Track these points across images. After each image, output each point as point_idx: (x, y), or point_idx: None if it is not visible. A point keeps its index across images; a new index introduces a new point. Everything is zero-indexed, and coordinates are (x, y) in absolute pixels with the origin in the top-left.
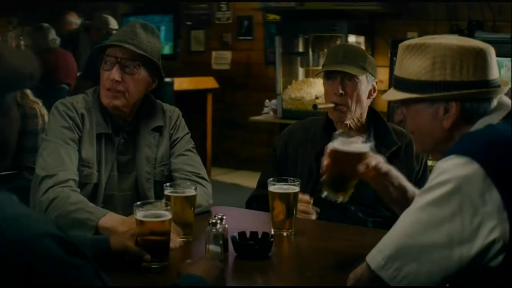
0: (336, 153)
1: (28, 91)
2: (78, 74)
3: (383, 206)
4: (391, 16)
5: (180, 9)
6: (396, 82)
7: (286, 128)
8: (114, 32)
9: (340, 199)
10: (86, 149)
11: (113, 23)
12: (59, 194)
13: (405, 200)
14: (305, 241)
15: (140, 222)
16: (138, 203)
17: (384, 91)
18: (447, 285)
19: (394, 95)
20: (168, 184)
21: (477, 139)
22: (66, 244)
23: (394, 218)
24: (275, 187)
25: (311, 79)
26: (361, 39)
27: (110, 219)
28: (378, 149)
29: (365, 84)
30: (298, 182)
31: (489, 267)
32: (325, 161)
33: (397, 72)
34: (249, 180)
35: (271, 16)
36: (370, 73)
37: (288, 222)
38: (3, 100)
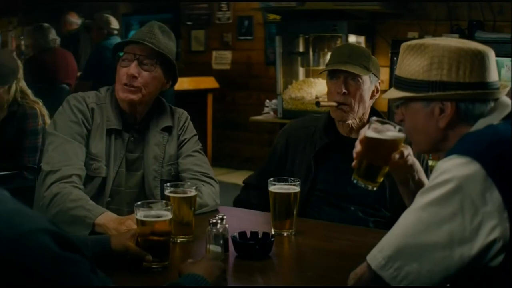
0: (370, 140)
1: (29, 91)
2: (79, 74)
3: (383, 206)
4: (391, 16)
5: (180, 9)
6: (396, 81)
7: (287, 125)
8: (116, 32)
9: (370, 186)
10: (95, 143)
11: (115, 23)
12: (61, 190)
13: None
14: (305, 241)
15: (141, 222)
16: (139, 203)
17: (385, 91)
18: (448, 285)
19: (393, 93)
20: (168, 184)
21: (478, 139)
22: (61, 239)
23: (394, 218)
24: (275, 187)
25: (312, 79)
26: (362, 39)
27: (107, 218)
28: None
29: (368, 84)
30: (298, 182)
31: (489, 267)
32: (358, 147)
33: (397, 72)
34: None
35: (272, 16)
36: (373, 73)
37: (289, 222)
38: None
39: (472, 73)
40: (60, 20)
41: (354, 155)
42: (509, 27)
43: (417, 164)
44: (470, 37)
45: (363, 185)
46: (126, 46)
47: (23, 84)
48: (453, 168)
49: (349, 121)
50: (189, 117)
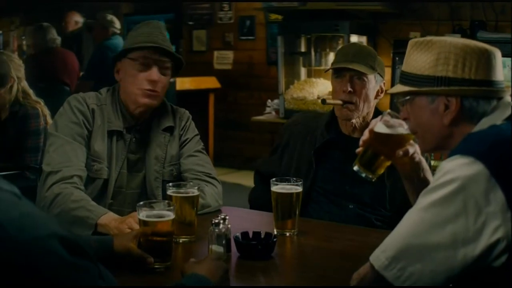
0: (378, 133)
1: (31, 91)
2: (81, 74)
3: (381, 206)
4: (393, 16)
5: (182, 9)
6: (402, 77)
7: (290, 119)
8: (118, 31)
9: (370, 176)
10: (96, 144)
11: (117, 23)
12: (63, 191)
13: None
14: (308, 241)
15: (143, 222)
16: (141, 203)
17: (386, 91)
18: (450, 285)
19: (398, 88)
20: (170, 184)
21: (481, 139)
22: (71, 244)
23: (394, 217)
24: (277, 187)
25: (313, 79)
26: (363, 39)
27: (109, 219)
28: None
29: (373, 83)
30: (300, 182)
31: (492, 267)
32: (365, 135)
33: (403, 67)
34: (251, 180)
35: (273, 16)
36: (378, 73)
37: (291, 222)
38: None
39: (478, 70)
40: (62, 20)
41: (361, 142)
42: (511, 27)
43: (424, 163)
44: (472, 37)
45: (363, 174)
46: (139, 50)
47: (24, 84)
48: (456, 168)
49: (353, 120)
50: (190, 117)
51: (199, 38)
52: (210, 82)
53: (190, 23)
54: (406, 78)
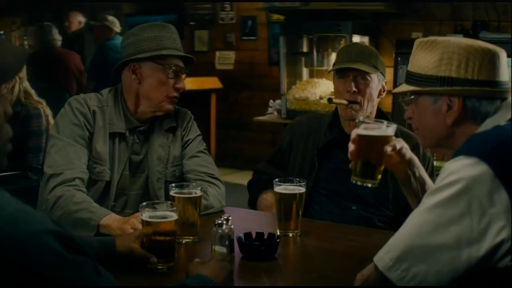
0: (361, 138)
1: (32, 91)
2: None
3: (385, 207)
4: (395, 16)
5: (184, 9)
6: (407, 76)
7: (293, 121)
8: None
9: (369, 184)
10: (98, 146)
11: (117, 23)
12: (64, 193)
13: (423, 193)
14: (311, 241)
15: (146, 223)
16: (144, 203)
17: (389, 91)
18: (455, 286)
19: (403, 88)
20: (173, 184)
21: (486, 139)
22: (65, 240)
23: (398, 218)
24: (280, 188)
25: (316, 79)
26: (366, 39)
27: (111, 219)
28: None
29: (376, 82)
30: (304, 183)
31: (497, 268)
32: (351, 147)
33: (408, 67)
34: None
35: (275, 16)
36: (381, 72)
37: (294, 223)
38: None
39: (481, 70)
40: (65, 20)
41: (349, 156)
42: None
43: (416, 160)
44: (474, 37)
45: (363, 184)
46: (162, 56)
47: (26, 84)
48: (460, 169)
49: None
50: (192, 117)
51: (201, 39)
52: (212, 83)
53: (192, 23)
54: (411, 78)
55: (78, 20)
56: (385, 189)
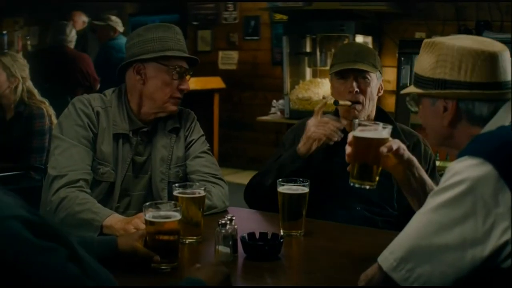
0: (357, 140)
1: (35, 91)
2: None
3: (389, 205)
4: (399, 16)
5: (187, 9)
6: (414, 78)
7: (296, 124)
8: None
9: (367, 186)
10: (102, 147)
11: (121, 23)
12: (68, 195)
13: (424, 194)
14: (314, 242)
15: (150, 223)
16: (147, 203)
17: (392, 91)
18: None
19: (409, 89)
20: (177, 184)
21: (490, 140)
22: (35, 226)
23: (402, 217)
24: (284, 188)
25: (319, 79)
26: (369, 39)
27: (114, 220)
28: None
29: (375, 81)
30: (307, 183)
31: (501, 268)
32: (348, 149)
33: (414, 68)
34: None
35: (278, 16)
36: (379, 70)
37: (298, 223)
38: None
39: (473, 73)
40: (69, 20)
41: (346, 158)
42: None
43: (415, 161)
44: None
45: (360, 186)
46: (175, 58)
47: (29, 84)
48: (465, 170)
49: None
50: (195, 118)
51: (203, 38)
52: (214, 82)
53: (195, 23)
54: (416, 79)
55: (82, 20)
56: (389, 188)
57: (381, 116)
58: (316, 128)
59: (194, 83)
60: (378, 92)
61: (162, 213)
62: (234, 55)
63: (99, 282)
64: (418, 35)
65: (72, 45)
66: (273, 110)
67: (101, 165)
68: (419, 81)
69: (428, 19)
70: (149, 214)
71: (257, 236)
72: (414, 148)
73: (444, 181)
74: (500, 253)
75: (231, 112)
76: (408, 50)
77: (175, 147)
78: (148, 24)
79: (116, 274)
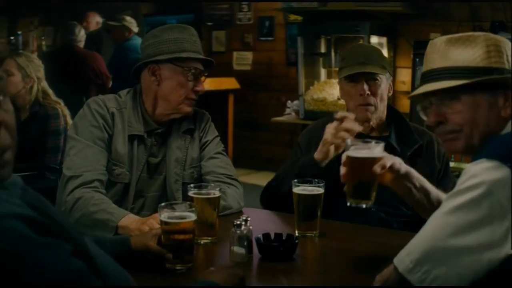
0: (351, 160)
1: (50, 91)
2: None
3: (403, 205)
4: (413, 17)
5: (201, 9)
6: (440, 73)
7: (309, 126)
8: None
9: (364, 205)
10: (117, 148)
11: (135, 24)
12: (83, 195)
13: (429, 203)
14: (329, 243)
15: (165, 223)
16: (162, 204)
17: (407, 92)
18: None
19: (446, 83)
20: (192, 185)
21: (507, 143)
22: (37, 224)
23: (415, 216)
24: (299, 189)
25: (333, 80)
26: (384, 40)
27: (129, 220)
28: (400, 148)
29: (385, 82)
30: (322, 184)
31: None
32: (342, 170)
33: (439, 64)
34: None
35: (293, 17)
36: (388, 71)
37: (313, 224)
38: None
39: None
40: (83, 21)
41: (341, 179)
42: None
43: (414, 172)
44: None
45: (359, 205)
46: (190, 60)
47: (44, 84)
48: (482, 172)
49: (373, 121)
50: (210, 118)
51: (218, 39)
52: (229, 83)
53: (209, 23)
54: (449, 73)
55: (96, 21)
56: None
57: (393, 116)
58: (333, 137)
59: (208, 84)
60: (388, 92)
61: (177, 213)
62: (249, 55)
63: (113, 281)
64: (433, 36)
65: (81, 44)
66: (287, 111)
67: (116, 166)
68: (463, 72)
69: (443, 20)
70: (164, 215)
71: (272, 237)
72: (427, 147)
73: (461, 183)
74: None
75: (245, 113)
76: (423, 51)
77: (189, 148)
78: (162, 25)
79: (131, 274)
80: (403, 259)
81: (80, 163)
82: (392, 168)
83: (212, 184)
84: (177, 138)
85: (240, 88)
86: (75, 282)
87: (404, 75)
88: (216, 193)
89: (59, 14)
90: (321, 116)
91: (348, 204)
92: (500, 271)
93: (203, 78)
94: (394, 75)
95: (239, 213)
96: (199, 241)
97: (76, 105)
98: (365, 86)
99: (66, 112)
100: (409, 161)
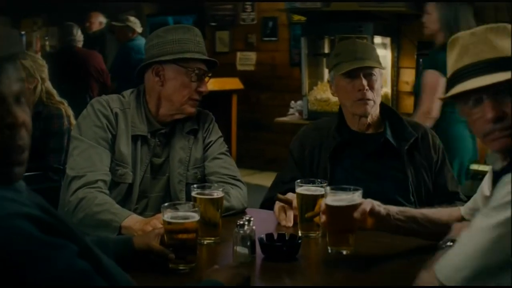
0: (331, 209)
1: (54, 92)
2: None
3: (406, 200)
4: (417, 17)
5: (205, 10)
6: (487, 65)
7: (300, 130)
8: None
9: (344, 251)
10: (121, 148)
11: (139, 24)
12: (87, 195)
13: (418, 225)
14: None
15: (168, 224)
16: (166, 204)
17: (410, 93)
18: None
19: (495, 77)
20: (195, 185)
21: None
22: (44, 224)
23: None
24: (302, 189)
25: None
26: (387, 40)
27: (133, 221)
28: (397, 143)
29: (380, 77)
30: (326, 184)
31: None
32: (322, 218)
33: (482, 56)
34: None
35: (296, 17)
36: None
37: (316, 224)
38: None
39: None
40: (86, 21)
41: (322, 225)
42: None
43: (393, 208)
44: None
45: (339, 251)
46: (194, 60)
47: (48, 84)
48: None
49: (368, 118)
50: (214, 119)
51: (222, 39)
52: (233, 83)
53: (213, 24)
54: (500, 63)
55: (99, 21)
56: (403, 180)
57: (387, 111)
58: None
59: (212, 84)
60: (381, 87)
61: (180, 213)
62: (252, 56)
63: (117, 282)
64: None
65: (80, 44)
66: (291, 111)
67: (119, 167)
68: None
69: None
70: (168, 215)
71: (275, 237)
72: (422, 139)
73: (501, 197)
74: None
75: (249, 113)
76: (427, 51)
77: (193, 148)
78: (165, 25)
79: (134, 275)
80: (453, 276)
81: (83, 163)
82: (372, 212)
83: (216, 185)
84: (180, 139)
85: (244, 88)
86: (80, 282)
87: (408, 76)
88: (219, 193)
89: (63, 15)
90: (324, 116)
91: (329, 251)
92: None
93: (206, 78)
94: (397, 75)
95: (242, 213)
96: (202, 241)
97: (80, 105)
98: (364, 81)
99: (70, 112)
100: (407, 155)
